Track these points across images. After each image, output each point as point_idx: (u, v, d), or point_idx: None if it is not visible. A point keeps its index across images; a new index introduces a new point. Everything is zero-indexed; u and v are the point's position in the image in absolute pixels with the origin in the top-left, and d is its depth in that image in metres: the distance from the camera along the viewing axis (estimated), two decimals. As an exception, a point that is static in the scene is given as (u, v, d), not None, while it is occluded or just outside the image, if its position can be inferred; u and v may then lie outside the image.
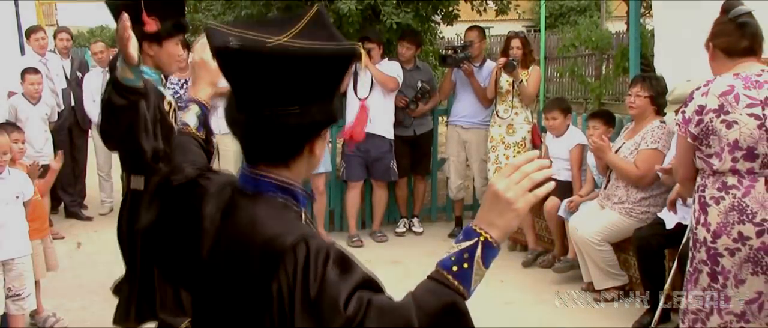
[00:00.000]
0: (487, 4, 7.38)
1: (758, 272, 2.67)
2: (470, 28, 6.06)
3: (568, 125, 5.22)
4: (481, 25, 6.23)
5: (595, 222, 4.33)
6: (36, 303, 3.97)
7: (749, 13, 2.74)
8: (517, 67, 5.47)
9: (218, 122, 7.21)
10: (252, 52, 1.27)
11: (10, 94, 6.03)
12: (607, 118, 4.92)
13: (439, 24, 7.46)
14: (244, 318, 1.30)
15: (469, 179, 6.36)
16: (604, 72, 14.95)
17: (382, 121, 5.70)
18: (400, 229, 6.17)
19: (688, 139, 2.78)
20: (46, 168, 4.56)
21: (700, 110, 2.70)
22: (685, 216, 3.66)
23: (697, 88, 2.77)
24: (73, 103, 6.63)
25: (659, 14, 5.13)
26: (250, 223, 1.31)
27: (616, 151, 4.37)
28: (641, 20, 7.47)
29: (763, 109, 2.64)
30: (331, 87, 1.35)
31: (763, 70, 2.72)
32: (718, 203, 2.73)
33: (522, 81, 5.54)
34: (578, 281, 4.67)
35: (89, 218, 6.68)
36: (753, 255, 2.67)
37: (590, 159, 4.82)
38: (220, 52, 1.29)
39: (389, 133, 5.75)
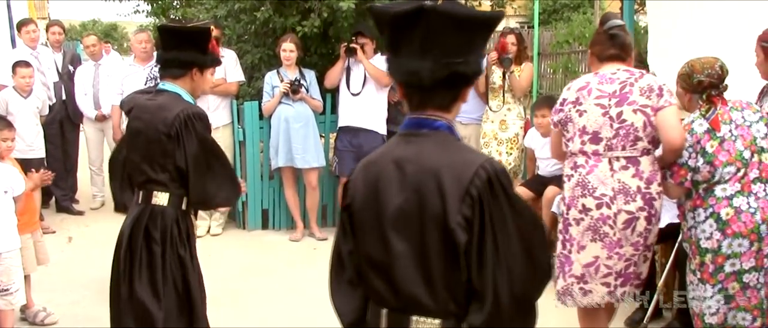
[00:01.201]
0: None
1: (597, 239, 3.09)
2: None
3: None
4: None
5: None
6: (25, 298, 3.96)
7: (621, 26, 3.20)
8: (512, 62, 5.46)
9: (213, 117, 7.21)
10: (445, 12, 1.55)
11: (1, 87, 5.99)
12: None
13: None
14: (438, 230, 1.57)
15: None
16: (597, 68, 14.97)
17: (374, 116, 5.68)
18: (393, 224, 6.13)
19: (552, 126, 3.31)
20: (36, 162, 4.51)
21: (563, 102, 3.19)
22: (677, 214, 3.65)
23: (567, 86, 3.28)
24: (64, 97, 6.58)
25: (653, 11, 5.15)
26: (438, 151, 1.62)
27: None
28: (635, 17, 7.48)
29: (610, 100, 3.05)
30: (482, 44, 1.69)
31: (618, 69, 3.12)
32: (569, 180, 3.17)
33: (512, 72, 5.52)
34: (570, 277, 4.67)
35: (80, 213, 6.65)
36: (593, 224, 3.09)
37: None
38: (415, 12, 1.55)
39: (382, 128, 5.73)
